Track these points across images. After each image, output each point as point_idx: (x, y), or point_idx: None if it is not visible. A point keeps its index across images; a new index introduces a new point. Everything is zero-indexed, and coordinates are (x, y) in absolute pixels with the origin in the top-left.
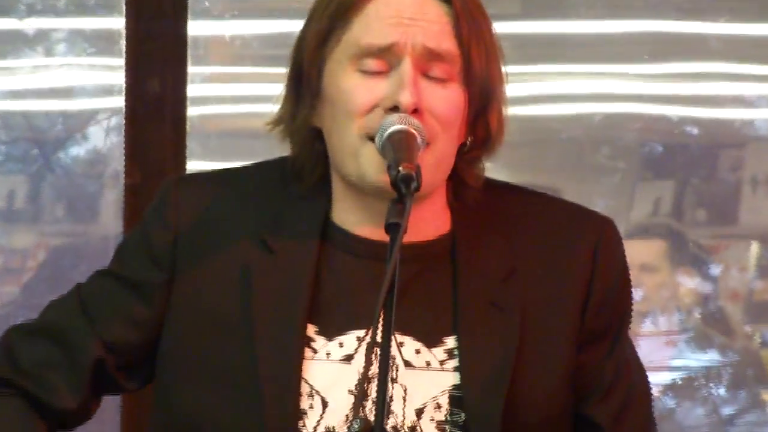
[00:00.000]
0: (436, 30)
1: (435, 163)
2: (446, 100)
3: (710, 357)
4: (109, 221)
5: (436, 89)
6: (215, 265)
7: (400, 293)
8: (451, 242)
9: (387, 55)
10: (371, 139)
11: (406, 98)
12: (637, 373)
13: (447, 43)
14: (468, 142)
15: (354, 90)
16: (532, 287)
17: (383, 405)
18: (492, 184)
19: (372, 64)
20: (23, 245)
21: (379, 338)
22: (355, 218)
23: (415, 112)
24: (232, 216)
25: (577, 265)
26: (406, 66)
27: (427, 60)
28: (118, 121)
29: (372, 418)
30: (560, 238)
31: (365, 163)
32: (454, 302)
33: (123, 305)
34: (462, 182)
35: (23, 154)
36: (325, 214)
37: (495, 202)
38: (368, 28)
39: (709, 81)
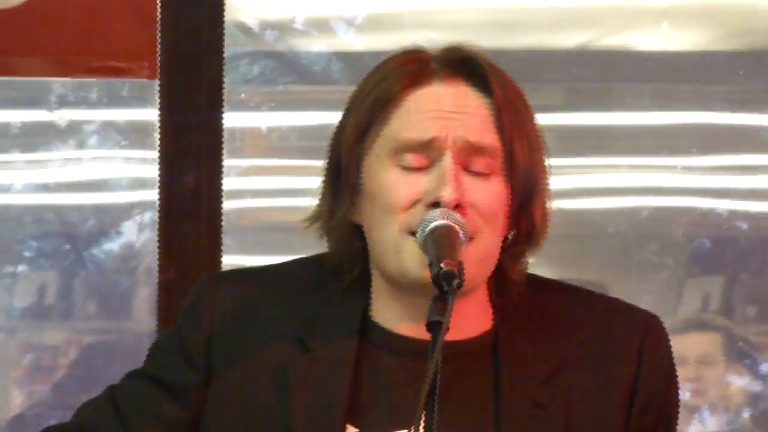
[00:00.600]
0: (477, 123)
1: (479, 257)
2: (489, 194)
3: None
4: (142, 318)
5: (478, 183)
6: (251, 365)
7: (441, 393)
8: (492, 340)
9: (427, 150)
10: (413, 234)
11: (448, 194)
12: None
13: (488, 137)
14: (511, 236)
15: (394, 186)
16: (576, 387)
17: None
18: (534, 280)
19: (412, 159)
20: (54, 343)
21: None
22: (395, 315)
23: (457, 207)
24: (268, 315)
25: (622, 362)
26: (447, 161)
27: (468, 154)
28: (152, 215)
29: None
30: (605, 336)
31: (407, 258)
32: (495, 402)
33: (157, 407)
34: (505, 278)
35: (55, 249)
36: (363, 312)
37: (537, 299)
38: (408, 123)
39: (759, 174)
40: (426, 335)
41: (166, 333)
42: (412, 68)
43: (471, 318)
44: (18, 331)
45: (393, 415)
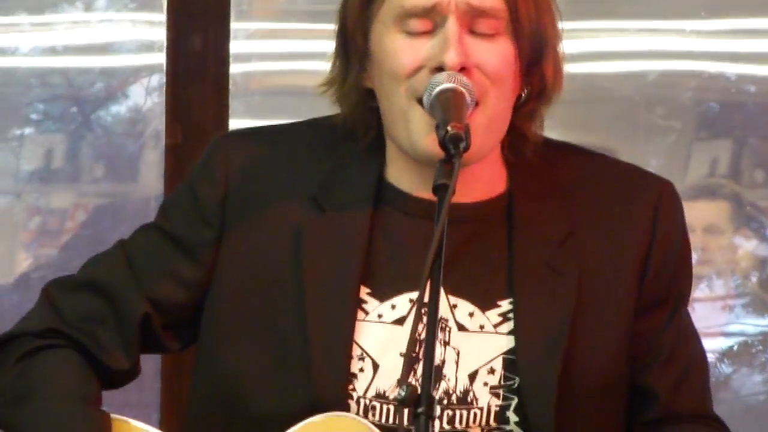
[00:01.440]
0: None
1: (487, 124)
2: (494, 55)
3: None
4: (149, 181)
5: (483, 45)
6: (265, 223)
7: (453, 255)
8: (506, 203)
9: (431, 15)
10: (420, 101)
11: (451, 57)
12: (695, 341)
13: None
14: (524, 95)
15: (399, 52)
16: (589, 250)
17: (431, 370)
18: (549, 144)
19: (416, 24)
20: (62, 206)
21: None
22: (409, 179)
23: (463, 70)
24: (284, 174)
25: (635, 229)
26: (451, 24)
27: (472, 16)
28: (159, 79)
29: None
30: (619, 201)
31: (415, 128)
32: (509, 264)
33: (170, 263)
34: (521, 136)
35: (61, 112)
36: (379, 174)
37: (552, 163)
38: None
39: None
40: (454, 199)
41: (178, 188)
42: None
43: (483, 180)
44: (25, 194)
45: (406, 277)
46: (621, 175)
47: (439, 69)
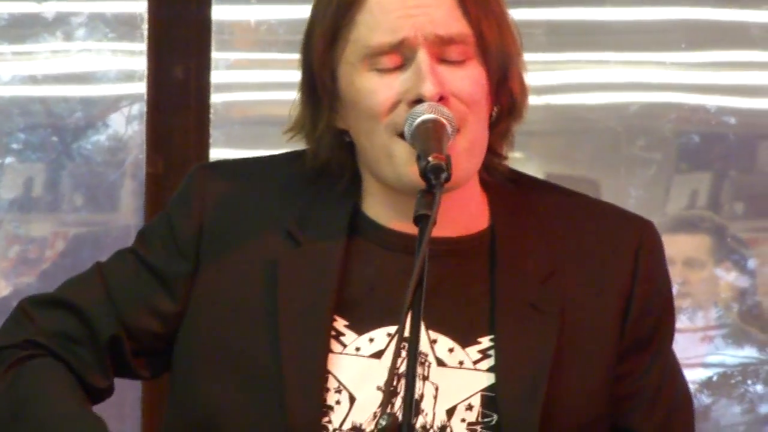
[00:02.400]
0: (443, 14)
1: (469, 148)
2: (468, 80)
3: (747, 353)
4: (129, 211)
5: (456, 72)
6: (240, 256)
7: (434, 289)
8: (488, 239)
9: (400, 50)
10: (401, 135)
11: (428, 89)
12: (680, 382)
13: (456, 25)
14: (494, 114)
15: (373, 91)
16: (571, 290)
17: (411, 402)
18: (531, 182)
19: (386, 61)
20: (41, 234)
21: (408, 334)
22: (387, 212)
23: (441, 99)
24: (259, 207)
25: (617, 270)
26: (422, 56)
27: (441, 45)
28: (140, 108)
29: (400, 416)
30: (600, 241)
31: (399, 162)
32: (490, 301)
33: (145, 292)
34: (496, 156)
35: (42, 141)
36: (354, 207)
37: (534, 201)
38: (375, 26)
39: (748, 70)
40: (436, 233)
41: (156, 218)
42: None
43: (465, 214)
44: (4, 222)
45: (384, 310)
46: (602, 215)
47: (417, 101)
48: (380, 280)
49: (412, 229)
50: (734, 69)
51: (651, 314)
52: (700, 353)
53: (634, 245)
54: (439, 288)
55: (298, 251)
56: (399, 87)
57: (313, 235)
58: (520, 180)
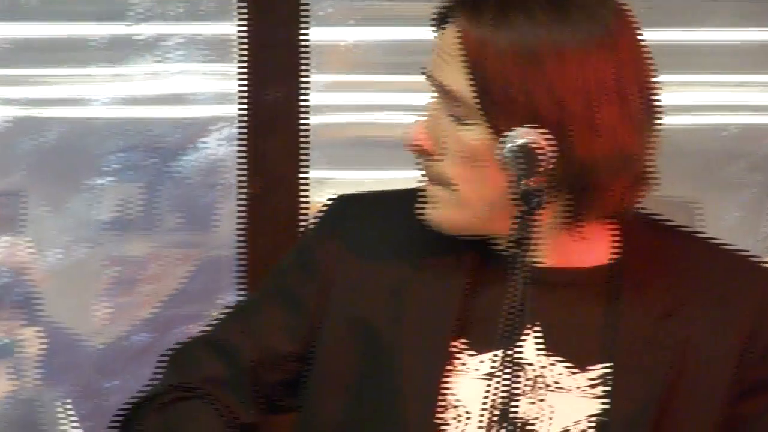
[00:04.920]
0: None
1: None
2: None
3: None
4: (224, 232)
5: None
6: (371, 281)
7: (549, 316)
8: (606, 273)
9: None
10: None
11: None
12: None
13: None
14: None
15: None
16: (689, 331)
17: (516, 425)
18: (658, 222)
19: None
20: (138, 255)
21: (516, 356)
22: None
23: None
24: (391, 235)
25: (740, 315)
26: None
27: None
28: (233, 130)
29: None
30: (724, 287)
31: None
32: (606, 331)
33: (282, 321)
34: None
35: (137, 162)
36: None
37: (657, 240)
38: None
39: None
40: (548, 263)
41: (295, 247)
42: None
43: (581, 248)
44: (101, 243)
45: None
46: (727, 261)
47: None
48: (501, 303)
49: (542, 262)
50: None
51: None
52: None
53: (758, 294)
54: (557, 315)
55: (424, 274)
56: None
57: (441, 259)
58: (658, 222)
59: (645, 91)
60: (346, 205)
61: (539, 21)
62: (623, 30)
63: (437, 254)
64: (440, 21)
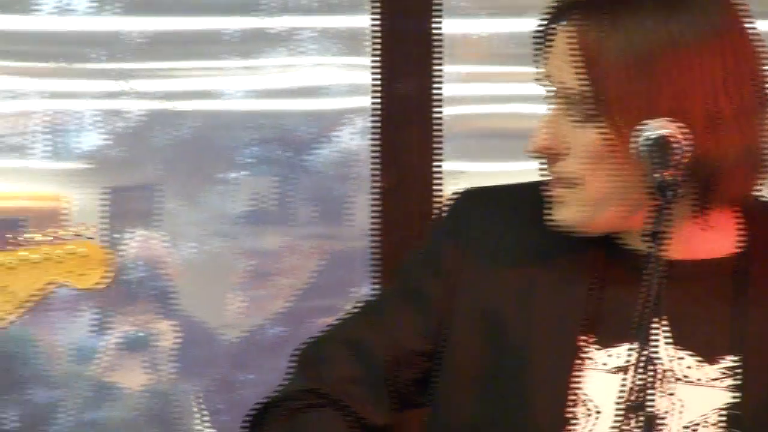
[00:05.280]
0: None
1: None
2: None
3: None
4: (358, 224)
5: None
6: (498, 276)
7: (676, 309)
8: (733, 264)
9: None
10: None
11: None
12: None
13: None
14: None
15: None
16: None
17: (651, 418)
18: None
19: None
20: (272, 248)
21: (648, 350)
22: (639, 236)
23: None
24: (518, 231)
25: None
26: None
27: None
28: (366, 122)
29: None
30: None
31: None
32: (735, 322)
33: (411, 318)
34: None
35: (271, 155)
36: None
37: None
38: None
39: None
40: (675, 256)
41: (421, 245)
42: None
43: (708, 240)
44: (236, 236)
45: (630, 327)
46: None
47: None
48: (628, 298)
49: (670, 254)
50: None
51: None
52: None
53: None
54: (684, 307)
55: (550, 269)
56: None
57: (569, 255)
58: None
59: (757, 80)
60: (469, 199)
61: (653, 17)
62: (734, 21)
63: (563, 249)
64: (551, 23)
